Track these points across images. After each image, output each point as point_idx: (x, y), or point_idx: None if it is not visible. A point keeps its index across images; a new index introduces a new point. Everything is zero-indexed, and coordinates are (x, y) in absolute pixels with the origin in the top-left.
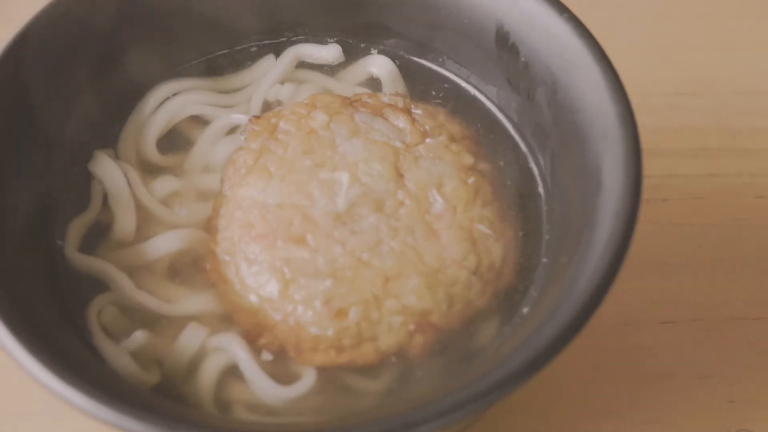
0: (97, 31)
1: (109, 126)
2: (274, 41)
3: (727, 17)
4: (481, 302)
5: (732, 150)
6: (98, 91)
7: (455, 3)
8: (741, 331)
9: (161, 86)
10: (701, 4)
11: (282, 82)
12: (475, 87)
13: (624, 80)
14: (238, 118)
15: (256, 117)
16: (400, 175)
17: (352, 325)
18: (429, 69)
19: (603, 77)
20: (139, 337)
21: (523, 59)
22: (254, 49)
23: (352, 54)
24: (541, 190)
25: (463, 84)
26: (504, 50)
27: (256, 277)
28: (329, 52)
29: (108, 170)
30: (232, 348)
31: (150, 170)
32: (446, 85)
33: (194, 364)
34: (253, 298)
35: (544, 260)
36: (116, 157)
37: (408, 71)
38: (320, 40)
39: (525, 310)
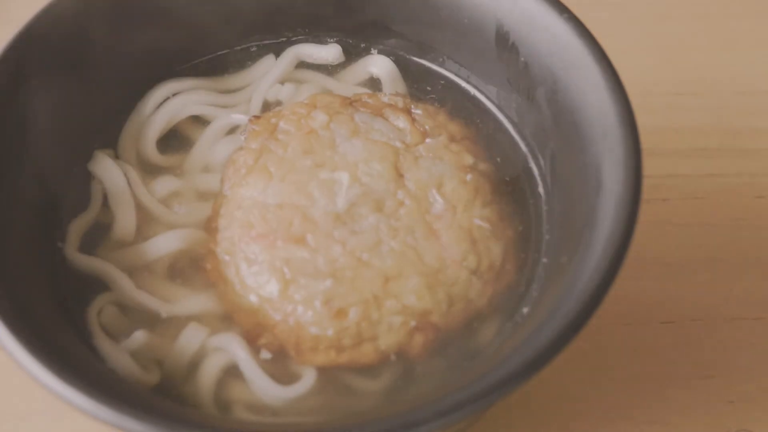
0: (97, 31)
1: (109, 126)
2: (274, 41)
3: (727, 17)
4: (481, 302)
5: (732, 150)
6: (98, 91)
7: (455, 3)
8: (741, 331)
9: (161, 86)
10: (701, 4)
11: (282, 82)
12: (475, 87)
13: (624, 80)
14: (238, 118)
15: (256, 117)
16: (400, 175)
17: (352, 325)
18: (429, 69)
19: (603, 77)
20: (139, 337)
21: (523, 59)
22: (254, 49)
23: (352, 54)
24: (541, 190)
25: (463, 84)
26: (504, 50)
27: (256, 277)
28: (329, 52)
29: (108, 170)
30: (232, 348)
31: (150, 170)
32: (446, 85)
33: (194, 364)
34: (253, 298)
35: (544, 260)
36: (116, 157)
37: (408, 71)
38: (320, 40)
39: (525, 310)
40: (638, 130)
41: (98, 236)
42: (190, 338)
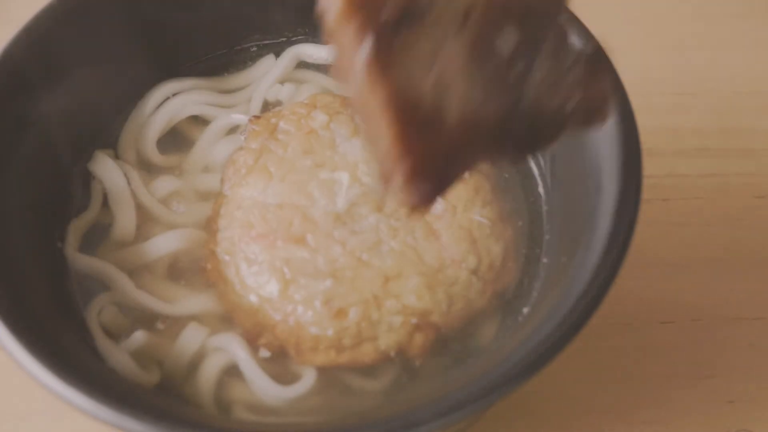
0: (97, 31)
1: (109, 126)
2: (274, 41)
3: (727, 17)
4: (481, 302)
5: (732, 150)
6: (98, 91)
7: None
8: (741, 331)
9: (161, 86)
10: (701, 4)
11: (282, 82)
12: None
13: (624, 80)
14: (238, 118)
15: (256, 117)
16: None
17: (352, 325)
18: None
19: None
20: (139, 337)
21: None
22: (254, 49)
23: None
24: (541, 190)
25: None
26: None
27: (256, 277)
28: (329, 52)
29: (108, 170)
30: (232, 348)
31: (150, 170)
32: None
33: (194, 364)
34: (253, 298)
35: (544, 260)
36: (116, 157)
37: None
38: (320, 40)
39: (525, 310)
40: (638, 130)
41: (98, 236)
42: (191, 338)
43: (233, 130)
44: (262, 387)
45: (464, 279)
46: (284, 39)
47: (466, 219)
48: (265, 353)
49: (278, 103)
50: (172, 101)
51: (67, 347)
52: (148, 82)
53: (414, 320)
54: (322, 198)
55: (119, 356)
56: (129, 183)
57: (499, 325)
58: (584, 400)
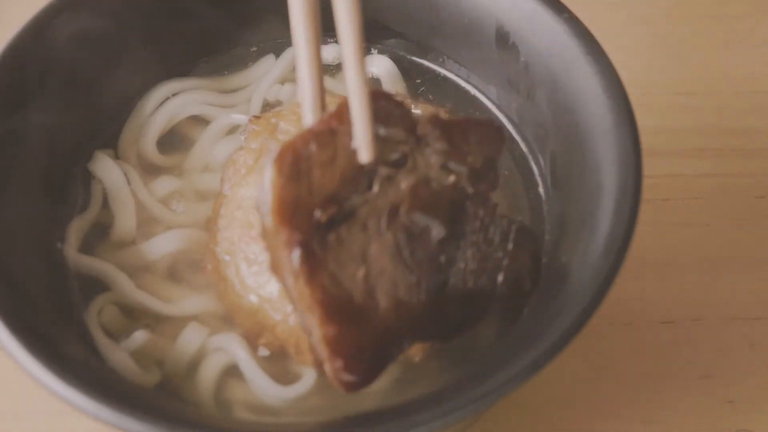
0: (98, 31)
1: (109, 126)
2: (275, 41)
3: (727, 17)
4: None
5: (732, 150)
6: (98, 91)
7: (455, 3)
8: (741, 331)
9: (161, 86)
10: (702, 4)
11: (282, 82)
12: (475, 87)
13: (624, 80)
14: (238, 118)
15: (256, 117)
16: None
17: None
18: (429, 69)
19: (603, 77)
20: (139, 336)
21: (523, 59)
22: (254, 49)
23: None
24: (541, 190)
25: (463, 84)
26: (504, 50)
27: (256, 277)
28: (329, 52)
29: (108, 170)
30: (232, 348)
31: (150, 170)
32: (446, 85)
33: (194, 363)
34: (253, 298)
35: (544, 260)
36: (116, 157)
37: (408, 71)
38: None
39: (525, 310)
40: (638, 130)
41: (98, 236)
42: (191, 338)
43: (233, 130)
44: (262, 387)
45: None
46: (284, 39)
47: None
48: (264, 352)
49: (278, 103)
50: (172, 101)
51: (67, 347)
52: (148, 82)
53: None
54: None
55: (119, 356)
56: (129, 183)
57: (499, 325)
58: (584, 400)
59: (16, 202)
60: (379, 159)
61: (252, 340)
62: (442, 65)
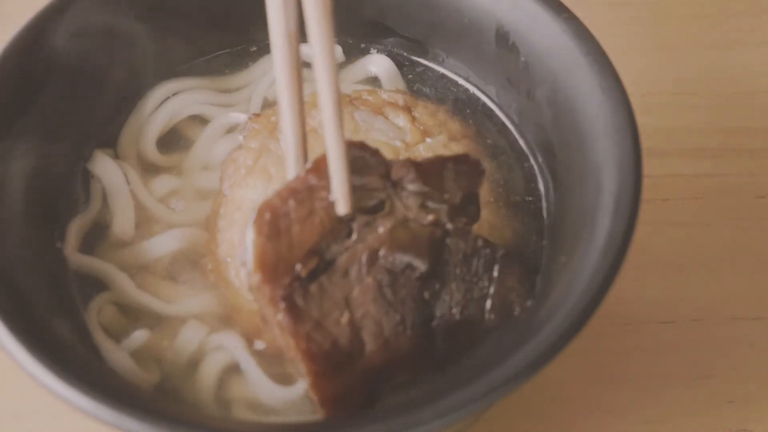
0: (98, 31)
1: (109, 126)
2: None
3: (727, 17)
4: None
5: (732, 150)
6: (98, 91)
7: (455, 3)
8: (741, 331)
9: (161, 86)
10: (701, 4)
11: None
12: (475, 87)
13: (624, 80)
14: (237, 116)
15: (256, 115)
16: None
17: None
18: (429, 68)
19: (603, 77)
20: (139, 336)
21: (523, 59)
22: (254, 48)
23: (351, 54)
24: (541, 190)
25: (463, 84)
26: (504, 50)
27: None
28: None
29: (107, 169)
30: (232, 347)
31: (150, 170)
32: (446, 85)
33: (194, 362)
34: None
35: (544, 260)
36: (116, 156)
37: (408, 70)
38: None
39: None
40: (638, 130)
41: (98, 236)
42: (190, 336)
43: (233, 129)
44: (262, 387)
45: None
46: None
47: None
48: (260, 344)
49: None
50: (172, 101)
51: (67, 347)
52: (148, 82)
53: None
54: None
55: (119, 356)
56: (128, 183)
57: (499, 325)
58: (584, 400)
59: (16, 202)
60: (357, 207)
61: (251, 341)
62: (441, 65)
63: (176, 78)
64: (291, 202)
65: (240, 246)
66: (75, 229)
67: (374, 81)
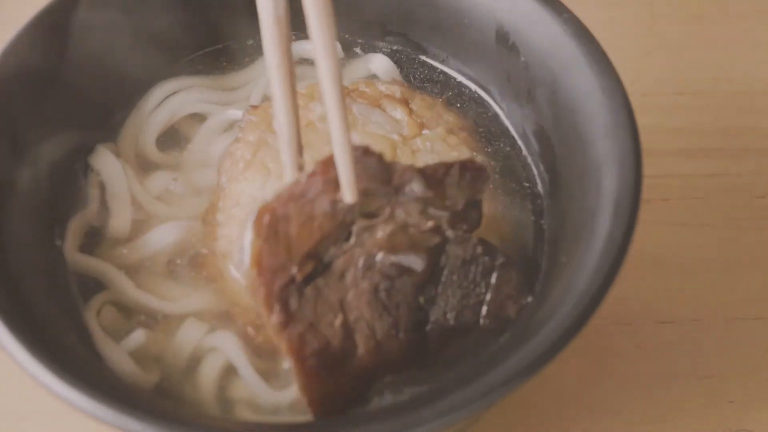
0: (98, 29)
1: (108, 125)
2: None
3: (727, 17)
4: None
5: (732, 150)
6: (98, 89)
7: (455, 3)
8: (741, 331)
9: (162, 84)
10: (701, 4)
11: None
12: (476, 86)
13: (624, 80)
14: (236, 113)
15: (254, 107)
16: None
17: None
18: (428, 68)
19: (603, 77)
20: (139, 336)
21: (523, 59)
22: (254, 46)
23: (351, 52)
24: (541, 190)
25: (464, 83)
26: (504, 50)
27: None
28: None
29: (108, 164)
30: (227, 349)
31: (149, 168)
32: (446, 84)
33: (193, 362)
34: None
35: (544, 260)
36: (116, 153)
37: (407, 70)
38: None
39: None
40: (638, 130)
41: (97, 234)
42: (188, 335)
43: (231, 126)
44: (256, 388)
45: None
46: None
47: None
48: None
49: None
50: (173, 99)
51: (67, 347)
52: (148, 81)
53: None
54: None
55: (118, 355)
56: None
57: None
58: (584, 400)
59: (15, 201)
60: (358, 211)
61: (250, 339)
62: (441, 64)
63: (177, 76)
64: (291, 206)
65: (238, 241)
66: (74, 228)
67: (373, 78)
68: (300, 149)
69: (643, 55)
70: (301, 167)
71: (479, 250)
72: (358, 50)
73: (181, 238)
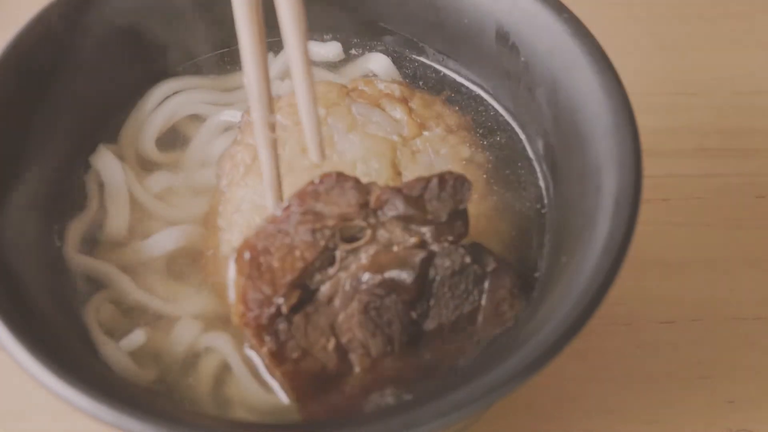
0: (99, 30)
1: (108, 125)
2: (275, 39)
3: (727, 17)
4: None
5: (732, 150)
6: (98, 89)
7: (455, 3)
8: (741, 331)
9: (162, 85)
10: (701, 4)
11: (282, 79)
12: (476, 86)
13: (624, 80)
14: (235, 114)
15: None
16: (398, 173)
17: None
18: (428, 68)
19: (603, 77)
20: (138, 335)
21: (523, 59)
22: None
23: (351, 52)
24: (541, 190)
25: (463, 83)
26: (504, 50)
27: None
28: (329, 50)
29: (108, 164)
30: (222, 349)
31: (148, 168)
32: (445, 84)
33: (190, 361)
34: None
35: (544, 260)
36: (116, 153)
37: (407, 69)
38: (320, 38)
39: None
40: (638, 130)
41: (97, 235)
42: (181, 335)
43: (231, 126)
44: (250, 390)
45: None
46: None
47: None
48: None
49: (278, 99)
50: (173, 100)
51: (67, 347)
52: (148, 81)
53: None
54: None
55: (117, 355)
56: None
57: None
58: (584, 400)
59: (16, 201)
60: (339, 238)
61: (248, 339)
62: (441, 64)
63: (177, 76)
64: (270, 240)
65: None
66: (74, 228)
67: (372, 77)
68: (279, 184)
69: (643, 55)
70: (281, 198)
71: (467, 259)
72: (357, 50)
73: (184, 243)
